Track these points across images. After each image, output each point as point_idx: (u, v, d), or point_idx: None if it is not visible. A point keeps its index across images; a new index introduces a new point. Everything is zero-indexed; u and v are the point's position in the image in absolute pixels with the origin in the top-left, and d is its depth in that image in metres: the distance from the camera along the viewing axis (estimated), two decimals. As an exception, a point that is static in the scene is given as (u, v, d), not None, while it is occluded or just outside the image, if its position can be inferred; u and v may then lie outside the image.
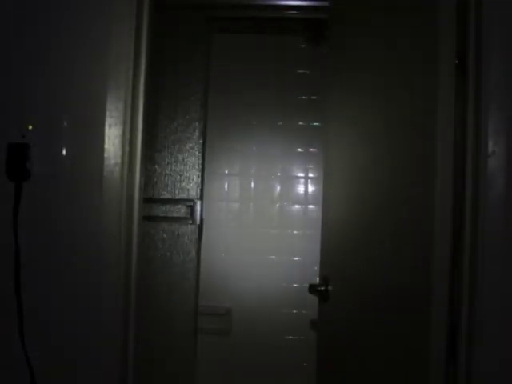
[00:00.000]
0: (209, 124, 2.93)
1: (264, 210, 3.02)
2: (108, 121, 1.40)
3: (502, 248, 1.25)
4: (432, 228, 1.24)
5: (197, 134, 2.83)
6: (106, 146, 1.40)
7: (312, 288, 1.78)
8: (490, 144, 1.26)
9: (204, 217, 2.88)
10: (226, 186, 3.04)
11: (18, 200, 1.40)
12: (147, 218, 2.71)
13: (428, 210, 1.25)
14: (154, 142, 2.79)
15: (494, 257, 1.25)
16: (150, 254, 2.72)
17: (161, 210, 2.81)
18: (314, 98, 3.00)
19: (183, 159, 2.82)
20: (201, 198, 2.84)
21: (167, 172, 2.82)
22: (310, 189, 3.02)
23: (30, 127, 1.41)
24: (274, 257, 2.99)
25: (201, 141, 2.83)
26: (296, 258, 2.98)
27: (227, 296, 2.95)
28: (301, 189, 3.03)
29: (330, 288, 1.71)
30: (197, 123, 2.83)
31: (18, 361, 1.38)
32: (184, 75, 2.81)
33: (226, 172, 3.04)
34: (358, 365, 1.55)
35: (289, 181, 3.03)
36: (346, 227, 1.67)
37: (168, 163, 2.82)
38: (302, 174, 3.03)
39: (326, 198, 1.84)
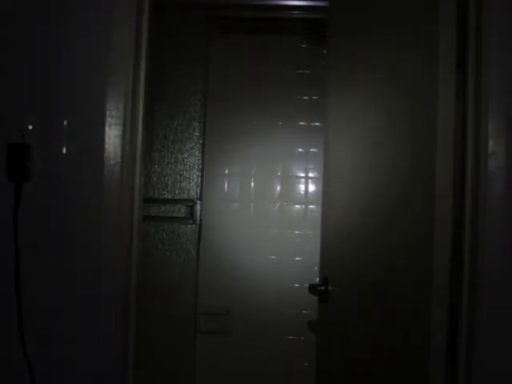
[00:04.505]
0: (209, 124, 2.93)
1: (264, 210, 3.02)
2: (108, 121, 1.40)
3: (502, 248, 1.25)
4: (432, 228, 1.23)
5: (197, 133, 2.83)
6: (106, 146, 1.40)
7: (312, 288, 1.77)
8: (490, 144, 1.26)
9: (204, 217, 2.89)
10: (225, 186, 3.04)
11: (18, 200, 1.40)
12: (147, 218, 2.71)
13: (428, 210, 1.25)
14: (153, 142, 2.79)
15: (494, 257, 1.25)
16: (149, 253, 2.72)
17: (161, 210, 2.82)
18: (315, 97, 3.00)
19: (183, 159, 2.82)
20: (201, 198, 2.84)
21: (167, 172, 2.82)
22: (311, 189, 3.02)
23: (30, 127, 1.41)
24: (274, 257, 2.99)
25: (201, 141, 2.84)
26: (296, 258, 2.98)
27: (227, 296, 2.95)
28: (301, 189, 3.03)
29: (329, 288, 1.71)
30: (197, 123, 2.83)
31: (18, 361, 1.38)
32: (184, 75, 2.81)
33: (226, 172, 3.04)
34: (358, 365, 1.55)
35: (289, 181, 3.03)
36: (346, 227, 1.67)
37: (168, 163, 2.82)
38: (302, 174, 3.03)
39: (326, 197, 1.84)
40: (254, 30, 3.02)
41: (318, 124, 2.97)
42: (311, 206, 3.01)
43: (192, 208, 2.80)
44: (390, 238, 1.43)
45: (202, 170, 2.86)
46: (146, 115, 1.50)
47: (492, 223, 1.25)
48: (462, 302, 1.28)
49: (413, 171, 1.36)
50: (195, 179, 2.83)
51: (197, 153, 2.83)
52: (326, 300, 1.72)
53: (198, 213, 2.81)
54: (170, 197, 2.82)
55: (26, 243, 1.40)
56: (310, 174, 3.02)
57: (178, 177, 2.82)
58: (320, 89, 2.83)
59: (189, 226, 2.80)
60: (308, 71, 3.02)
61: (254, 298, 2.95)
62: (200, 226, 2.84)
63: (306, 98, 3.02)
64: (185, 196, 2.82)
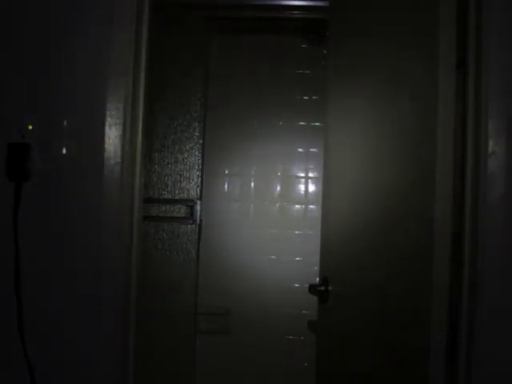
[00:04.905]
0: (209, 124, 2.93)
1: (264, 210, 3.02)
2: (108, 121, 1.40)
3: (502, 248, 1.25)
4: (432, 228, 1.23)
5: (197, 133, 2.83)
6: (106, 146, 1.40)
7: (312, 288, 1.77)
8: (490, 144, 1.26)
9: (204, 217, 2.89)
10: (226, 186, 3.04)
11: (18, 200, 1.40)
12: (147, 218, 2.71)
13: (428, 210, 1.25)
14: (153, 142, 2.79)
15: (494, 257, 1.25)
16: (149, 253, 2.72)
17: (161, 210, 2.81)
18: (315, 97, 3.00)
19: (183, 159, 2.82)
20: (201, 198, 2.84)
21: (167, 172, 2.82)
22: (311, 189, 3.02)
23: (30, 127, 1.41)
24: (274, 257, 2.99)
25: (201, 141, 2.84)
26: (296, 258, 2.98)
27: (227, 296, 2.95)
28: (301, 189, 3.03)
29: (329, 288, 1.71)
30: (197, 123, 2.83)
31: (18, 361, 1.38)
32: (184, 75, 2.81)
33: (226, 172, 3.04)
34: (358, 365, 1.55)
35: (289, 181, 3.03)
36: (346, 227, 1.67)
37: (168, 163, 2.82)
38: (302, 174, 3.03)
39: (326, 198, 1.84)
40: (254, 30, 3.02)
41: (318, 124, 2.97)
42: (311, 206, 3.01)
43: (192, 208, 2.80)
44: (390, 237, 1.44)
45: (202, 170, 2.85)
46: (146, 115, 1.50)
47: (492, 223, 1.25)
48: (462, 302, 1.28)
49: (413, 171, 1.36)
50: (195, 179, 2.83)
51: (197, 153, 2.83)
52: (326, 300, 1.72)
53: (198, 213, 2.81)
54: (170, 197, 2.82)
55: (26, 243, 1.40)
56: (310, 174, 3.02)
57: (178, 177, 2.82)
58: (320, 89, 2.83)
59: (189, 225, 2.80)
60: (308, 71, 3.02)
61: (254, 298, 2.95)
62: (200, 225, 2.83)
63: (306, 98, 3.02)
64: (185, 196, 2.82)
